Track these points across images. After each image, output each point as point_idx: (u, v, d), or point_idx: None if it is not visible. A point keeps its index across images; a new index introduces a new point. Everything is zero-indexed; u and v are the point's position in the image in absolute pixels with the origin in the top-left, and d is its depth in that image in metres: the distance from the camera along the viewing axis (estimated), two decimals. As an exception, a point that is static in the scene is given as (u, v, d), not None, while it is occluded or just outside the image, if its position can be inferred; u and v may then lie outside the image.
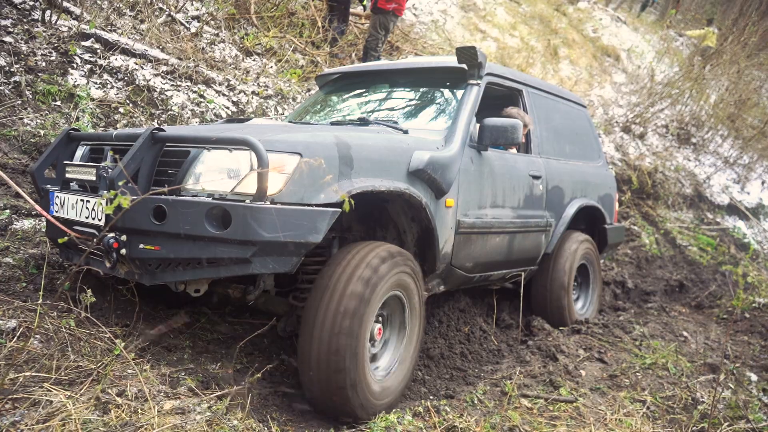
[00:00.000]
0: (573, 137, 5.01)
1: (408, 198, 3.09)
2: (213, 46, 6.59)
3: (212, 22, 6.98)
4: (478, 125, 3.74)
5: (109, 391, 2.58)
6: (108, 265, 2.67)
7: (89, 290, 2.70)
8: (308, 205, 2.61)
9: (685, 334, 4.94)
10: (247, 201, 2.48)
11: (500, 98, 4.44)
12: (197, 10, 7.03)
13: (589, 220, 5.17)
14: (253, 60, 6.87)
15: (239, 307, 3.77)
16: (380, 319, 3.06)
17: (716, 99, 11.26)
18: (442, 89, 4.04)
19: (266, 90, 6.31)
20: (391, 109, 4.09)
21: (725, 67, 11.16)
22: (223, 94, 5.88)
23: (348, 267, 2.78)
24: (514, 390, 3.41)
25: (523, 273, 4.34)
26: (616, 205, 5.45)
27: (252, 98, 6.07)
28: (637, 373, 3.94)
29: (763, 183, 11.10)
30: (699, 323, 5.52)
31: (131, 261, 2.64)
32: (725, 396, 3.83)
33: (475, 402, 3.29)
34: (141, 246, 2.60)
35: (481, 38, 9.90)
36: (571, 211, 4.66)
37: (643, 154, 9.53)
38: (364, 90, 4.40)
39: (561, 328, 4.53)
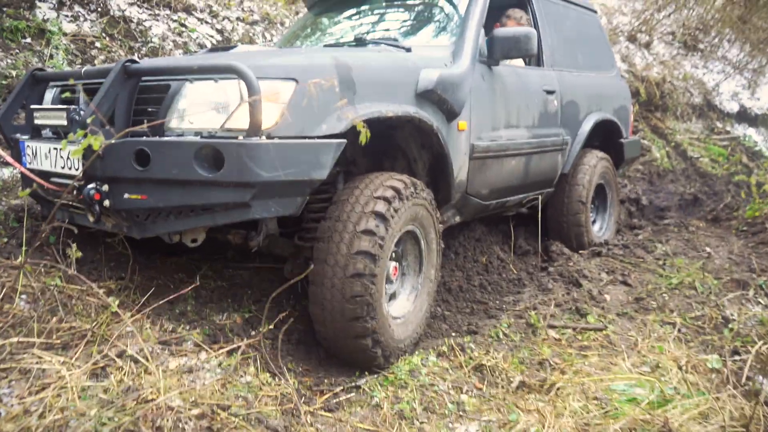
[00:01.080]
0: (585, 46, 4.64)
1: (418, 123, 2.80)
2: (190, -30, 6.08)
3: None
4: (486, 38, 3.40)
5: (108, 352, 2.37)
6: (91, 219, 2.40)
7: (74, 244, 2.45)
8: (309, 137, 2.32)
9: (708, 249, 4.74)
10: (240, 137, 2.19)
11: (507, 7, 4.05)
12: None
13: (603, 135, 4.87)
14: (235, -16, 6.37)
15: (242, 251, 3.53)
16: (395, 256, 2.82)
17: (724, 0, 10.68)
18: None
19: (252, 15, 5.86)
20: (389, 28, 3.71)
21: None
22: (206, 22, 5.44)
23: (358, 203, 2.52)
24: (540, 321, 3.23)
25: (539, 196, 4.08)
26: (632, 117, 5.14)
27: (237, 25, 5.63)
28: (664, 294, 3.76)
29: None
30: (719, 237, 5.32)
31: (117, 213, 2.37)
32: (756, 312, 3.66)
33: (501, 336, 3.11)
34: (126, 196, 2.33)
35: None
36: (587, 127, 4.36)
37: (649, 64, 9.09)
38: (357, 8, 4.00)
39: (581, 251, 4.32)
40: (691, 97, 9.20)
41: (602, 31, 5.01)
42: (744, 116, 9.80)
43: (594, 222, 4.79)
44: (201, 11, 5.47)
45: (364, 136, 1.93)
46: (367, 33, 3.70)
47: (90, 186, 2.34)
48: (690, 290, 3.86)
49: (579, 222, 4.34)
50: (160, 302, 2.64)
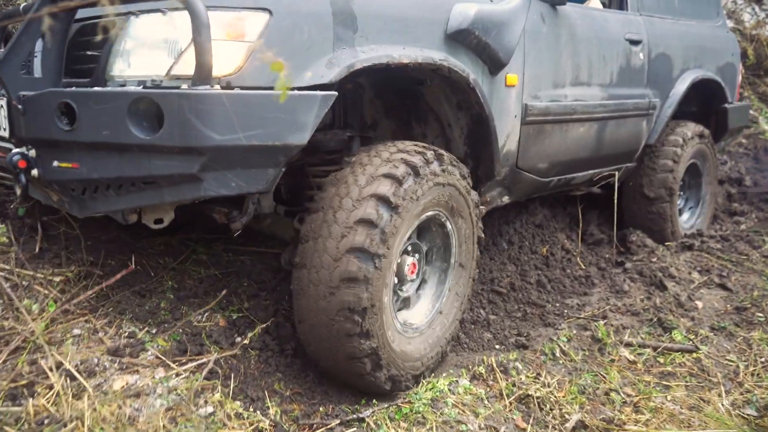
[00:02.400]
0: (683, -12, 3.76)
1: (448, 73, 2.12)
2: None
3: None
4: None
5: (42, 363, 1.89)
6: (18, 191, 1.89)
7: (2, 225, 1.97)
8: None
9: (834, 244, 3.80)
10: (185, 86, 1.60)
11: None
12: None
13: (702, 98, 3.97)
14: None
15: (248, 231, 2.97)
16: (413, 249, 2.18)
17: None
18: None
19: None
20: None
21: None
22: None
23: (357, 182, 1.88)
24: (610, 336, 2.51)
25: (616, 172, 3.29)
26: (740, 77, 4.19)
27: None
28: (775, 304, 2.95)
29: None
30: None
31: (48, 185, 1.86)
32: None
33: (557, 354, 2.42)
34: (55, 164, 1.80)
35: None
36: (681, 87, 3.50)
37: (761, 21, 7.86)
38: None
39: (667, 243, 3.51)
40: (809, 60, 7.91)
41: (705, -30, 4.08)
42: None
43: (685, 207, 3.94)
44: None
45: (284, 92, 1.28)
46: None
47: (16, 151, 1.83)
48: (811, 298, 3.01)
49: (665, 208, 3.52)
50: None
